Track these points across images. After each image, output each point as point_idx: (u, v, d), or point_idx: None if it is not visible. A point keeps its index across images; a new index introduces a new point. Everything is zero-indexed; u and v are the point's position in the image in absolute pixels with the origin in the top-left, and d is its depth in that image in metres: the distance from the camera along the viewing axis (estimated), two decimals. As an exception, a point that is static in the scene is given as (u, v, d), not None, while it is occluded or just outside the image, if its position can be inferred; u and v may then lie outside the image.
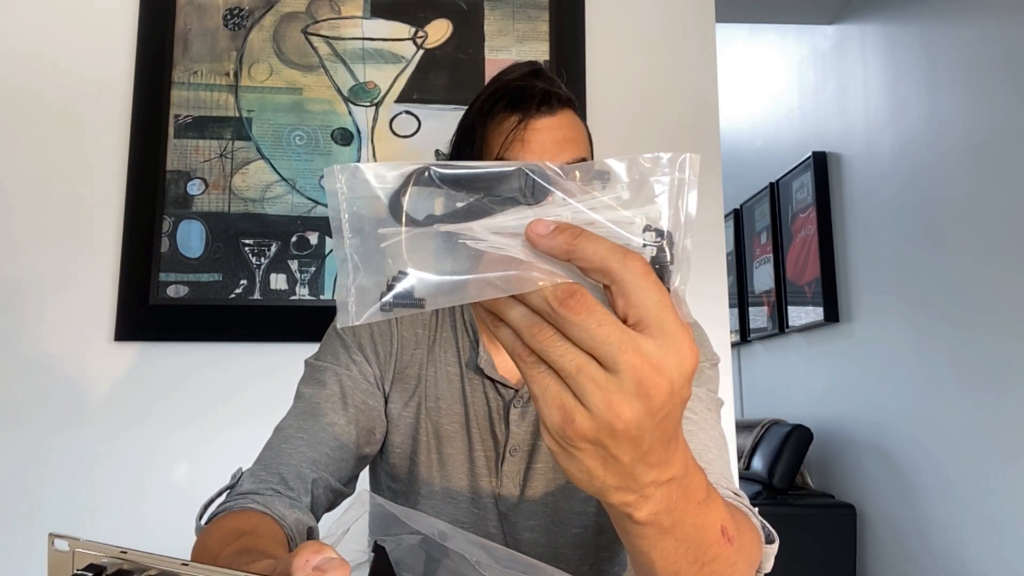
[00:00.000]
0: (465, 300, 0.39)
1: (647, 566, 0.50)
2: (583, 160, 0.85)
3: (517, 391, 0.91)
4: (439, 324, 0.96)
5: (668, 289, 0.39)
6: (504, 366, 0.92)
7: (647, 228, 0.39)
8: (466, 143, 0.88)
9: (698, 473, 0.48)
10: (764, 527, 0.69)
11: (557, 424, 0.39)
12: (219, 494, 0.79)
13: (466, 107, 0.91)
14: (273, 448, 0.84)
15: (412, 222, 0.38)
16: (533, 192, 0.39)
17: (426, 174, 0.38)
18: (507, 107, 0.84)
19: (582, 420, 0.38)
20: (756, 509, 0.72)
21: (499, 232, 0.38)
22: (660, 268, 0.39)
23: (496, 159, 0.83)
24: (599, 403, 0.38)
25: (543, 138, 0.83)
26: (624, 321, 0.38)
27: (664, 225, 0.39)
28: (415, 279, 0.38)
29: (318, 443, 0.84)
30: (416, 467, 0.91)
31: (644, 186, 0.39)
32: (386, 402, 0.93)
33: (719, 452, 0.81)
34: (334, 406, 0.87)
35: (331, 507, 0.87)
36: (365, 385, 0.90)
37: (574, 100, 0.89)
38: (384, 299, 0.38)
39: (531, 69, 0.88)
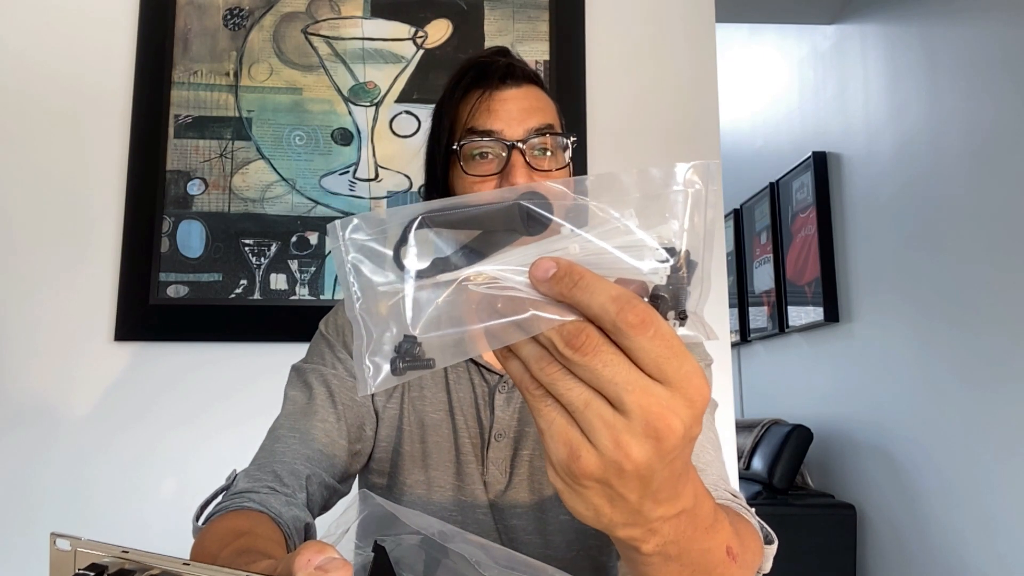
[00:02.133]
0: (473, 354, 0.38)
1: None
2: (549, 126, 0.87)
3: (502, 376, 0.91)
4: None
5: (684, 311, 0.38)
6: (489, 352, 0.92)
7: (663, 249, 0.37)
8: (438, 122, 0.90)
9: (707, 500, 0.47)
10: (763, 528, 0.69)
11: (563, 460, 0.38)
12: (215, 495, 0.79)
13: None
14: (266, 449, 0.85)
15: (417, 274, 0.38)
16: (532, 224, 0.38)
17: (420, 220, 0.38)
18: (473, 81, 0.87)
19: (588, 457, 0.37)
20: (753, 510, 0.72)
21: (503, 272, 0.37)
22: (675, 291, 0.38)
23: (464, 130, 0.85)
24: (607, 441, 0.37)
25: (509, 107, 0.85)
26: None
27: (681, 244, 0.38)
28: (422, 340, 0.37)
29: (310, 440, 0.85)
30: (400, 458, 0.91)
31: (658, 200, 0.38)
32: (373, 397, 0.93)
33: (715, 453, 0.81)
34: (323, 404, 0.88)
35: (327, 505, 0.87)
36: (351, 382, 0.91)
37: (540, 78, 0.91)
38: (396, 365, 0.37)
39: (497, 49, 0.92)
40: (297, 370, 0.93)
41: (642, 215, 0.38)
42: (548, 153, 0.86)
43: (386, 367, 0.38)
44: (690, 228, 0.38)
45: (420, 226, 0.38)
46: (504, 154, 0.84)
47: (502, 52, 0.92)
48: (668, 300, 0.38)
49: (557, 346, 0.37)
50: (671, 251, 0.38)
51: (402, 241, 0.38)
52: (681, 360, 0.37)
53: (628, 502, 0.39)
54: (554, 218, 0.38)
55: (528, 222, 0.38)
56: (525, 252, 0.38)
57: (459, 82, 0.89)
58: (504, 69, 0.87)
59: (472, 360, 0.92)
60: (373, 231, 0.39)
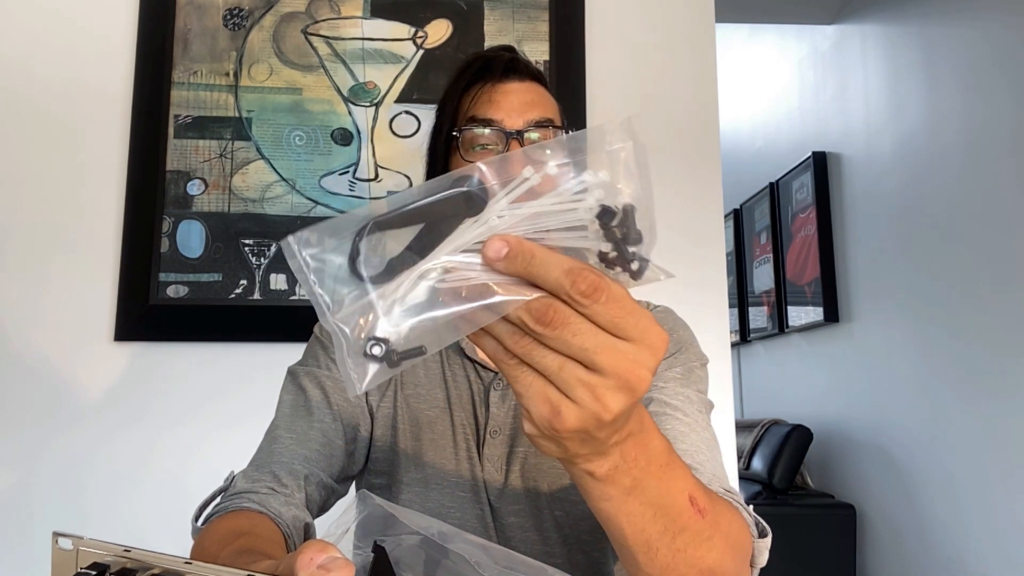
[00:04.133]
0: (454, 339, 0.40)
1: (618, 534, 0.51)
2: (549, 120, 0.89)
3: (497, 374, 0.91)
4: None
5: (639, 264, 0.40)
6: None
7: (603, 211, 0.39)
8: (441, 115, 0.92)
9: (658, 436, 0.50)
10: (758, 523, 0.69)
11: (545, 417, 0.41)
12: (213, 496, 0.79)
13: None
14: (264, 450, 0.85)
15: (376, 279, 0.39)
16: (471, 203, 0.39)
17: (369, 227, 0.40)
18: (476, 73, 0.89)
19: (569, 413, 0.40)
20: (751, 507, 0.72)
21: (458, 260, 0.39)
22: (619, 248, 0.40)
23: (466, 119, 0.87)
24: (585, 395, 0.40)
25: (511, 99, 0.87)
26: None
27: (618, 199, 0.39)
28: (399, 330, 0.39)
29: (307, 440, 0.85)
30: (396, 457, 0.91)
31: (592, 156, 0.40)
32: (367, 396, 0.93)
33: (711, 452, 0.81)
34: (319, 406, 0.88)
35: (325, 505, 0.87)
36: None
37: (543, 77, 0.93)
38: (391, 358, 0.39)
39: (503, 47, 0.95)
40: (292, 373, 0.94)
41: (576, 173, 0.40)
42: None
43: (372, 366, 0.39)
44: (624, 180, 0.40)
45: (370, 231, 0.40)
46: (502, 145, 0.86)
47: (508, 49, 0.94)
48: (615, 258, 0.40)
49: (528, 324, 0.39)
50: (606, 211, 0.39)
51: (355, 251, 0.40)
52: (636, 317, 0.40)
53: (597, 440, 0.43)
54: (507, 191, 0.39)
55: (467, 203, 0.39)
56: (470, 232, 0.39)
57: (463, 74, 0.91)
58: (508, 63, 0.89)
59: (467, 357, 0.93)
60: (329, 240, 0.40)
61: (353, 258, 0.40)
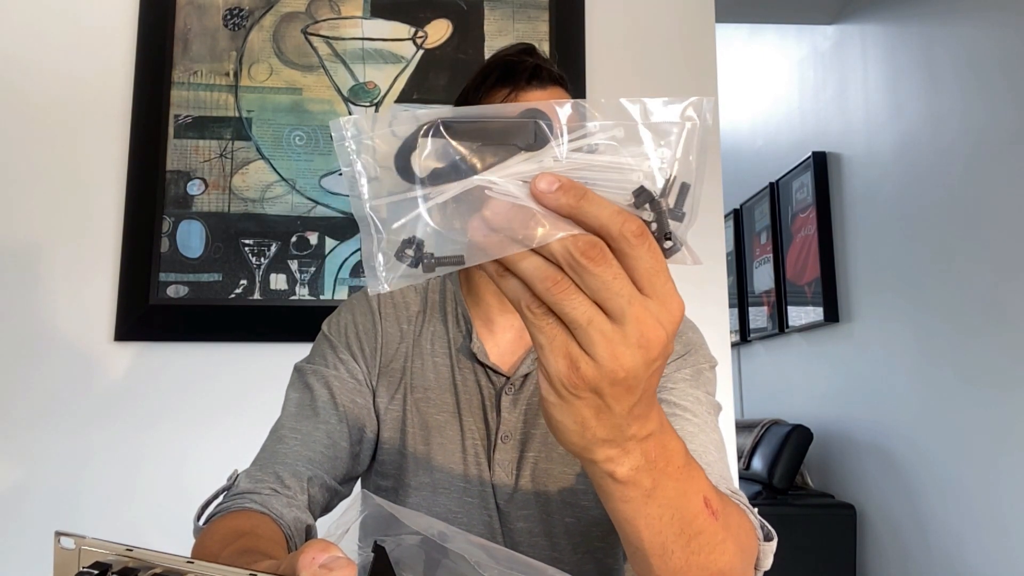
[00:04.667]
0: (487, 258, 0.39)
1: (634, 537, 0.51)
2: None
3: (508, 378, 0.90)
4: (427, 319, 0.96)
5: (673, 242, 0.40)
6: (496, 353, 0.92)
7: (654, 184, 0.40)
8: None
9: (676, 438, 0.50)
10: (763, 526, 0.70)
11: (563, 372, 0.41)
12: (216, 495, 0.79)
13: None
14: (268, 450, 0.85)
15: (421, 180, 0.39)
16: (534, 138, 0.39)
17: (432, 128, 0.39)
18: (498, 80, 0.87)
19: (587, 368, 0.40)
20: (756, 509, 0.72)
21: (504, 183, 0.39)
22: (659, 221, 0.40)
23: None
24: (604, 353, 0.40)
25: None
26: None
27: (672, 171, 0.40)
28: (439, 238, 0.38)
29: (312, 442, 0.84)
30: (404, 460, 0.91)
31: (655, 129, 0.40)
32: (374, 398, 0.92)
33: (719, 454, 0.82)
34: (325, 406, 0.87)
35: (328, 507, 0.87)
36: (353, 383, 0.90)
37: (565, 79, 0.90)
38: (428, 261, 0.38)
39: (524, 47, 0.91)
40: (299, 370, 0.93)
41: (637, 142, 0.40)
42: None
43: (404, 266, 0.38)
44: (682, 158, 0.40)
45: (426, 134, 0.39)
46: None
47: (529, 51, 0.91)
48: (654, 231, 0.40)
49: (574, 255, 0.39)
50: (642, 191, 0.40)
51: (409, 146, 0.39)
52: (667, 276, 0.41)
53: (613, 414, 0.43)
54: (565, 131, 0.39)
55: (537, 137, 0.39)
56: (526, 165, 0.39)
57: (485, 79, 0.88)
58: (531, 69, 0.87)
59: (479, 362, 0.91)
60: (380, 131, 0.39)
61: (406, 153, 0.39)
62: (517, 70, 0.86)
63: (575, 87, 1.70)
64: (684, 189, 0.40)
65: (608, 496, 0.49)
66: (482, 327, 0.93)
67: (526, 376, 0.90)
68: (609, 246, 0.39)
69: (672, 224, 0.40)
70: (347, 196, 1.66)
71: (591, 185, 0.39)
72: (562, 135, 0.39)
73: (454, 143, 0.39)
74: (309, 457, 0.83)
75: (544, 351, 0.41)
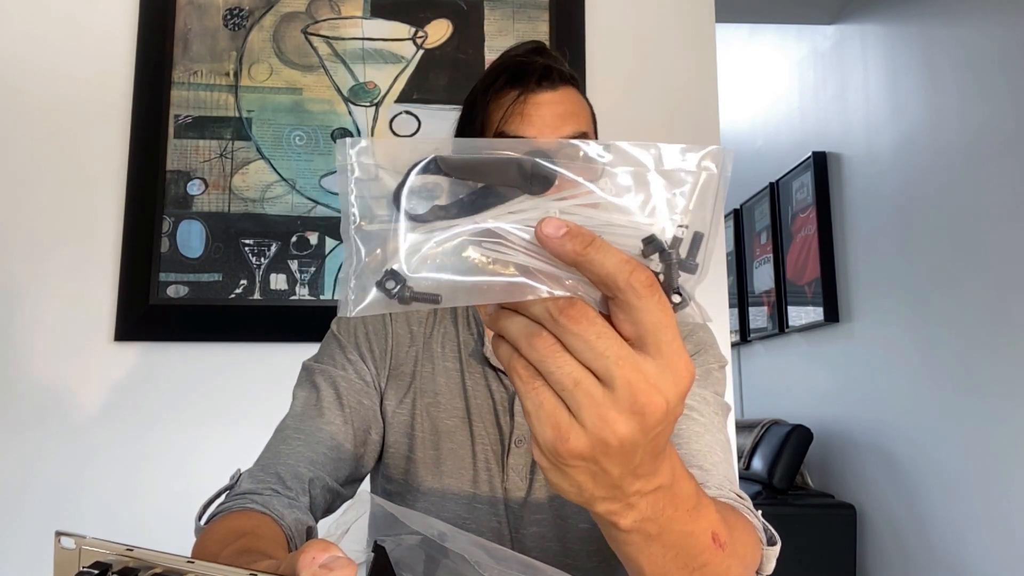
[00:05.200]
0: (468, 303, 0.38)
1: (636, 570, 0.50)
2: (583, 134, 0.84)
3: None
4: (438, 320, 0.95)
5: (682, 297, 0.38)
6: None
7: (655, 232, 0.38)
8: (468, 119, 0.88)
9: (688, 481, 0.48)
10: (766, 529, 0.69)
11: (549, 442, 0.39)
12: (218, 495, 0.79)
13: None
14: (271, 449, 0.84)
15: (414, 217, 0.38)
16: (537, 182, 0.38)
17: (432, 164, 0.38)
18: (508, 82, 0.84)
19: (576, 438, 0.38)
20: (760, 512, 0.72)
21: (503, 226, 0.38)
22: (671, 271, 0.38)
23: (496, 133, 0.83)
24: (593, 418, 0.37)
25: (543, 112, 0.82)
26: (623, 336, 0.38)
27: (686, 221, 0.38)
28: (419, 273, 0.38)
29: (315, 443, 0.84)
30: (413, 465, 0.90)
31: (669, 176, 0.38)
32: (382, 401, 0.92)
33: (724, 455, 0.81)
34: (330, 407, 0.87)
35: (330, 508, 0.87)
36: (360, 385, 0.90)
37: (576, 78, 0.88)
38: (404, 294, 0.37)
39: (534, 47, 0.88)
40: (307, 369, 0.92)
41: (648, 188, 0.38)
42: None
43: (375, 292, 0.38)
44: (696, 207, 0.38)
45: (428, 169, 0.38)
46: None
47: (539, 50, 0.88)
48: (661, 282, 0.38)
49: (552, 314, 0.37)
50: (653, 240, 0.38)
51: (405, 179, 0.38)
52: (675, 333, 0.38)
53: (610, 476, 0.40)
54: (566, 172, 0.38)
55: (533, 180, 0.38)
56: (526, 209, 0.38)
57: (494, 81, 0.85)
58: (541, 71, 0.84)
59: (490, 366, 0.91)
60: (382, 158, 0.39)
61: (400, 186, 0.38)
62: (527, 71, 0.84)
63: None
64: (697, 239, 0.38)
65: (610, 538, 0.48)
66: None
67: None
68: (614, 298, 0.37)
69: (683, 276, 0.38)
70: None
71: (597, 232, 0.37)
72: (569, 178, 0.38)
73: (450, 180, 0.38)
74: (312, 458, 0.83)
75: (531, 419, 0.39)
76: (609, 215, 0.38)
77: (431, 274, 0.38)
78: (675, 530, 0.47)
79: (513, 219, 0.38)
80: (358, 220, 0.38)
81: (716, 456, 0.79)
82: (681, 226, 0.38)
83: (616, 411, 0.37)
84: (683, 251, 0.38)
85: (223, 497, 0.79)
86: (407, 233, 0.38)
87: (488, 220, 0.37)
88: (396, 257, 0.38)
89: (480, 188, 0.38)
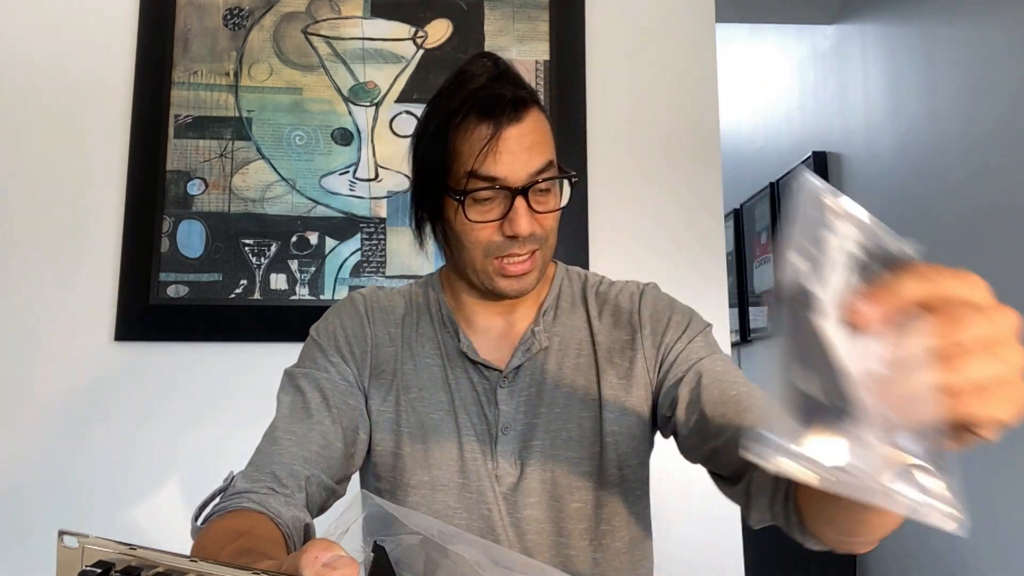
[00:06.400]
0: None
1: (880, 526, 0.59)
2: (550, 163, 0.86)
3: (502, 372, 0.92)
4: (416, 320, 0.97)
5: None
6: (485, 350, 0.93)
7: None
8: (433, 147, 0.87)
9: None
10: None
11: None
12: (212, 496, 0.79)
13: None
14: (263, 452, 0.85)
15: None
16: (806, 304, 0.41)
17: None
18: (478, 117, 0.83)
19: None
20: None
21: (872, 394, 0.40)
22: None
23: (470, 172, 0.83)
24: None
25: (512, 147, 0.83)
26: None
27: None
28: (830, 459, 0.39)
29: (307, 442, 0.85)
30: (401, 461, 0.91)
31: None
32: (366, 401, 0.93)
33: (758, 391, 0.85)
34: (318, 408, 0.88)
35: (325, 506, 0.88)
36: (344, 386, 0.91)
37: (535, 95, 0.89)
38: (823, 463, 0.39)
39: (494, 72, 0.87)
40: (290, 375, 0.93)
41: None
42: (549, 190, 0.87)
43: (802, 464, 0.39)
44: None
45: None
46: (507, 201, 0.84)
47: (500, 75, 0.87)
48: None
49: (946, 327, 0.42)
50: None
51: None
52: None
53: None
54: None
55: (804, 303, 0.41)
56: (835, 345, 0.40)
57: (465, 115, 0.84)
58: (510, 105, 0.83)
59: (470, 361, 0.93)
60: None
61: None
62: (497, 106, 0.83)
63: (575, 88, 1.70)
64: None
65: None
66: (467, 327, 0.95)
67: (518, 368, 0.92)
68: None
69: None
70: (347, 196, 1.66)
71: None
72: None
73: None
74: (305, 457, 0.83)
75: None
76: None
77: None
78: None
79: (852, 362, 0.40)
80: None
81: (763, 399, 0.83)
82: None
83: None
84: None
85: (218, 498, 0.79)
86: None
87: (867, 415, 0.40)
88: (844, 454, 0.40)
89: (796, 347, 0.40)
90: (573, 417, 0.91)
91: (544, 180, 0.85)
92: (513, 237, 0.84)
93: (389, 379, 0.93)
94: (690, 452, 0.88)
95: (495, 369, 0.92)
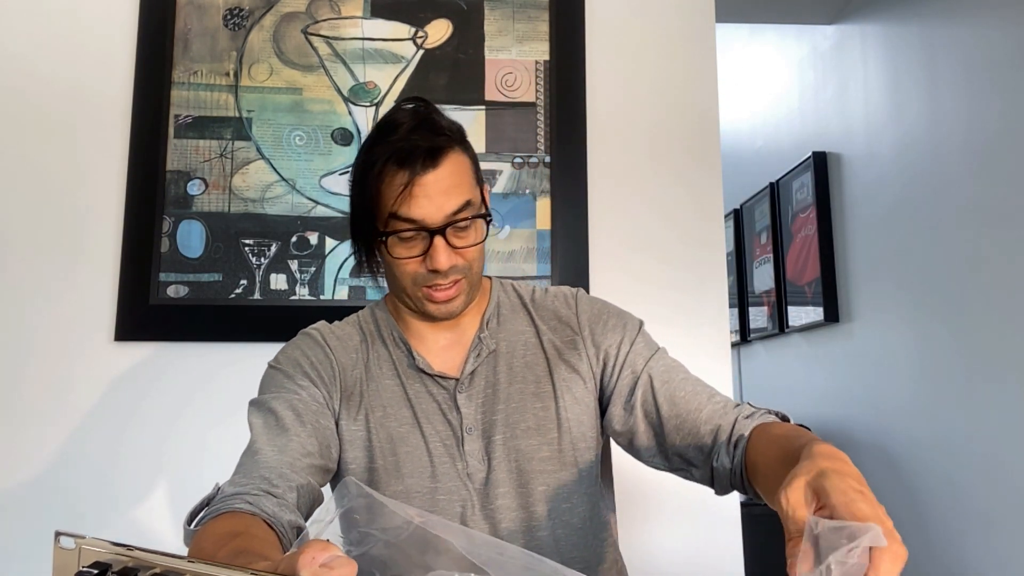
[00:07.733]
0: None
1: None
2: (467, 203, 0.93)
3: (458, 379, 0.99)
4: (371, 344, 1.03)
5: None
6: (438, 362, 1.00)
7: None
8: (362, 193, 0.95)
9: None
10: (779, 413, 0.91)
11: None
12: (203, 504, 0.80)
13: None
14: (245, 464, 0.86)
15: None
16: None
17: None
18: (395, 166, 0.91)
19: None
20: (763, 409, 0.93)
21: None
22: None
23: (391, 215, 0.91)
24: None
25: (429, 191, 0.91)
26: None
27: None
28: None
29: (288, 451, 0.88)
30: (375, 475, 0.96)
31: None
32: (337, 423, 0.97)
33: (711, 387, 0.99)
34: (292, 424, 0.91)
35: (311, 510, 0.89)
36: (315, 406, 0.95)
37: (455, 135, 0.95)
38: None
39: (413, 123, 0.93)
40: (256, 402, 0.95)
41: None
42: (467, 227, 0.94)
43: None
44: None
45: None
46: (428, 239, 0.92)
47: (419, 125, 0.93)
48: None
49: None
50: None
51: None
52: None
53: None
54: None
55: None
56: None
57: (383, 166, 0.91)
58: (424, 154, 0.90)
59: (427, 374, 0.99)
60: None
61: None
62: (412, 155, 0.90)
63: (575, 87, 1.70)
64: None
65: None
66: (418, 344, 1.02)
67: (473, 373, 1.00)
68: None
69: None
70: (346, 196, 1.66)
71: None
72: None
73: None
74: (290, 463, 0.86)
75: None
76: None
77: None
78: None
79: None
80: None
81: (713, 393, 0.97)
82: None
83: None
84: None
85: (210, 504, 0.79)
86: None
87: None
88: None
89: None
90: (529, 409, 0.99)
91: (460, 220, 0.93)
92: (435, 271, 0.93)
93: (357, 400, 0.99)
94: (653, 459, 0.99)
95: (451, 378, 0.99)
